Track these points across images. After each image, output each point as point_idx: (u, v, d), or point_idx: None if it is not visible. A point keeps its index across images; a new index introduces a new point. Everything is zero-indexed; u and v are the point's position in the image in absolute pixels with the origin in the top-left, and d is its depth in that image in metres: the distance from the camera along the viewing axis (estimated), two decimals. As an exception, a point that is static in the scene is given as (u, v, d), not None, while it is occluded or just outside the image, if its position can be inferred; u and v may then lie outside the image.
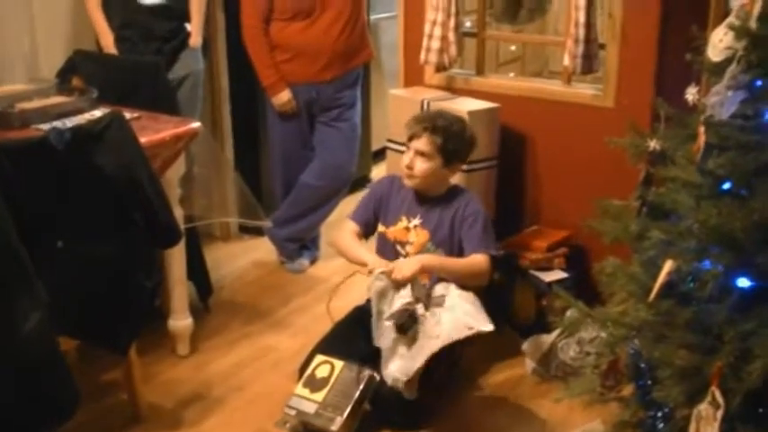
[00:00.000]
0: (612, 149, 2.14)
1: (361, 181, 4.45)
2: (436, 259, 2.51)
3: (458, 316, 2.35)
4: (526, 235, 3.03)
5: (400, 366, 2.35)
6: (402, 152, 3.25)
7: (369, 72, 4.10)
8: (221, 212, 3.06)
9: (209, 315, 3.14)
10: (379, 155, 4.56)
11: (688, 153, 1.84)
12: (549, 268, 2.88)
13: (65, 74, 2.92)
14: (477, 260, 2.54)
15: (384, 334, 2.39)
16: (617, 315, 1.87)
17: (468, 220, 2.59)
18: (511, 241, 2.99)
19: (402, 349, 2.38)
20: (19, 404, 1.90)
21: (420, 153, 2.56)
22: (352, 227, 2.71)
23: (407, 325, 2.38)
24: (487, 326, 2.31)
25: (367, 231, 2.72)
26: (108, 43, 3.05)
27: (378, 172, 4.51)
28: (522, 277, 2.89)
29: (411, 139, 2.57)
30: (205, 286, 3.13)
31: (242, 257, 3.68)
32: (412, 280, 2.40)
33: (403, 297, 2.37)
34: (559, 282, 2.77)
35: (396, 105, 3.08)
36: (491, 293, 2.69)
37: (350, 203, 3.72)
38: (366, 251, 2.63)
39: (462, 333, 2.29)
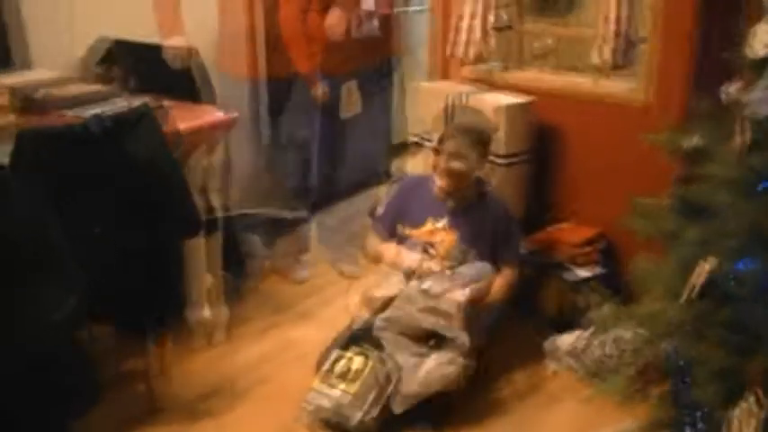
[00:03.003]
0: (647, 145, 2.13)
1: (380, 176, 4.36)
2: (479, 292, 2.52)
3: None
4: (557, 231, 3.04)
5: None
6: (425, 146, 3.19)
7: (391, 64, 4.15)
8: (259, 203, 3.14)
9: (237, 305, 3.14)
10: (401, 149, 4.58)
11: (727, 150, 1.83)
12: (580, 265, 2.90)
13: (103, 62, 2.93)
14: (509, 280, 2.60)
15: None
16: (652, 313, 1.88)
17: (503, 231, 2.63)
18: (541, 237, 3.01)
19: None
20: (41, 392, 1.93)
21: (457, 173, 2.57)
22: (375, 237, 2.72)
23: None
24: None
25: (391, 236, 2.71)
26: None
27: (399, 166, 4.55)
28: (552, 274, 2.91)
29: (449, 160, 2.55)
30: (239, 264, 3.14)
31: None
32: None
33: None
34: (591, 279, 2.82)
35: (424, 99, 3.10)
36: (519, 290, 2.72)
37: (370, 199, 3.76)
38: (406, 252, 2.61)
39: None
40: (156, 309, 2.35)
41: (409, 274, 2.47)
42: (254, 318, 3.10)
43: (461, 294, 2.39)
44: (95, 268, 2.02)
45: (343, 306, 3.10)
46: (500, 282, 2.60)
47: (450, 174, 2.57)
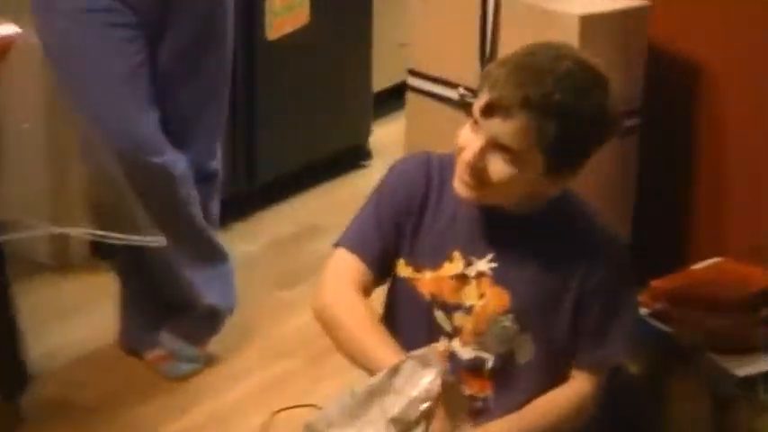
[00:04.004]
0: None
1: (351, 154, 4.68)
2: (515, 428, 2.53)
3: None
4: (699, 275, 3.05)
5: None
6: (442, 99, 3.12)
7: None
8: (57, 218, 3.14)
9: (23, 427, 3.14)
10: (389, 102, 4.54)
11: None
12: (744, 347, 2.86)
13: None
14: (581, 396, 2.56)
15: None
16: None
17: (601, 301, 2.54)
18: (665, 288, 2.97)
19: None
20: None
21: (501, 146, 2.44)
22: (352, 265, 2.62)
23: None
24: None
25: (382, 271, 2.63)
26: None
27: (384, 134, 4.66)
28: (688, 365, 2.89)
29: (488, 110, 2.43)
30: (14, 370, 3.14)
31: (94, 308, 3.69)
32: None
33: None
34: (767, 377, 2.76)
35: (428, 3, 3.24)
36: (619, 400, 2.69)
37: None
38: (393, 349, 2.52)
39: None
40: None
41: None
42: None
43: None
44: None
45: None
46: (564, 398, 2.55)
47: (471, 181, 2.44)
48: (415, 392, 2.37)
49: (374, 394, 2.38)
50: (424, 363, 2.40)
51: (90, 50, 3.23)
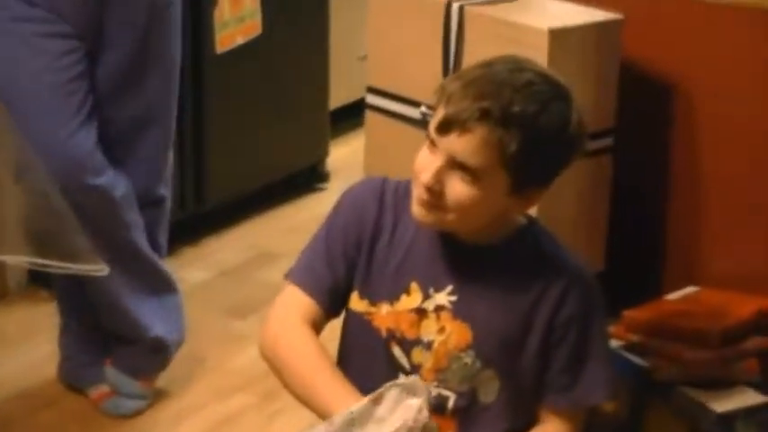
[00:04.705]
0: None
1: (307, 176, 4.67)
2: None
3: None
4: (674, 305, 3.05)
5: None
6: (403, 118, 3.21)
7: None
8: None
9: None
10: (349, 119, 4.69)
11: None
12: (723, 381, 2.87)
13: None
14: None
15: None
16: None
17: (570, 338, 2.50)
18: (640, 319, 2.97)
19: None
20: None
21: (460, 165, 2.40)
22: (300, 300, 2.57)
23: None
24: None
25: (333, 306, 2.58)
26: None
27: (343, 155, 4.65)
28: (664, 401, 2.89)
29: (444, 127, 2.40)
30: None
31: (33, 339, 3.67)
32: None
33: None
34: (749, 413, 2.79)
35: (388, 15, 3.24)
36: None
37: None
38: (345, 388, 2.47)
39: None
40: None
41: None
42: None
43: None
44: None
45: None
46: None
47: (429, 203, 2.40)
48: (400, 421, 2.31)
49: (353, 424, 2.33)
50: (410, 391, 2.35)
51: (20, 62, 3.18)
